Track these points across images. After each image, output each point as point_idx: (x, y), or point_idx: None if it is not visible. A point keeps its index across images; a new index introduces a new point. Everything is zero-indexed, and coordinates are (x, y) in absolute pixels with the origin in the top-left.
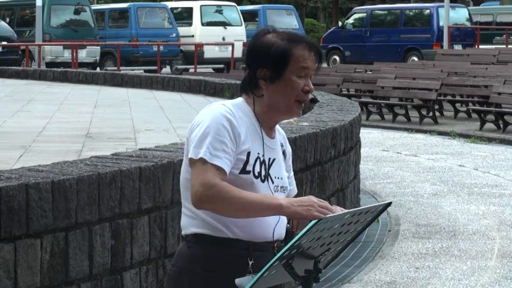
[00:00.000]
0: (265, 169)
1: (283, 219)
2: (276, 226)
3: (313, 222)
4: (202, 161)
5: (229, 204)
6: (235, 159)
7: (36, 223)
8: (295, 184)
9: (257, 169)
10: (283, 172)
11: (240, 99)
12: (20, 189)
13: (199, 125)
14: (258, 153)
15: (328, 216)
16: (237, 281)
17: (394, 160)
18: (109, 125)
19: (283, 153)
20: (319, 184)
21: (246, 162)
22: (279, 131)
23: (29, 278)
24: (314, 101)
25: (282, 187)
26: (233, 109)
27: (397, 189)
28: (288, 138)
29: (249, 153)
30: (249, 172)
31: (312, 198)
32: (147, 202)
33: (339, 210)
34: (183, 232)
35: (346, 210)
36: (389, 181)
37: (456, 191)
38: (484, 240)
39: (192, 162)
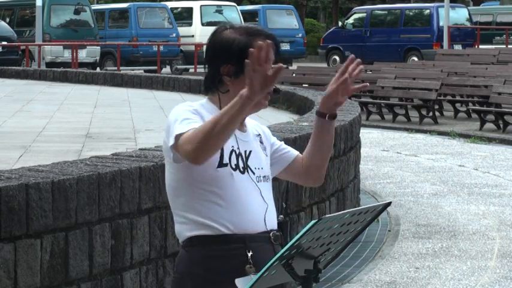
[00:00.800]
0: (243, 161)
1: (272, 208)
2: (265, 215)
3: (312, 222)
4: (178, 136)
5: (211, 134)
6: None
7: (36, 223)
8: (293, 149)
9: (234, 161)
10: (263, 162)
11: (204, 101)
12: (20, 189)
13: (167, 124)
14: (232, 146)
15: (327, 216)
16: (237, 281)
17: (394, 160)
18: (109, 125)
19: (261, 141)
20: None
21: (221, 155)
22: (250, 125)
23: (29, 278)
24: (277, 91)
25: (264, 177)
26: (198, 107)
27: (397, 189)
28: (288, 138)
29: (222, 147)
30: (226, 164)
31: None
32: (147, 202)
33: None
34: (180, 240)
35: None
36: (389, 181)
37: (456, 191)
38: (484, 240)
39: (173, 147)
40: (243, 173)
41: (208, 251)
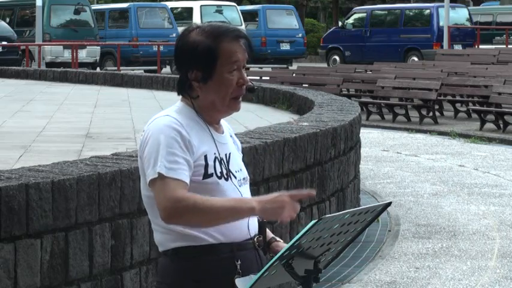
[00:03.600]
0: (225, 167)
1: None
2: (249, 221)
3: (312, 222)
4: (161, 176)
5: (201, 216)
6: (194, 167)
7: (36, 223)
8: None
9: (218, 169)
10: (240, 162)
11: (179, 104)
12: (20, 189)
13: (149, 142)
14: (215, 153)
15: (328, 216)
16: (237, 281)
17: (394, 160)
18: (109, 125)
19: (234, 141)
20: (319, 184)
21: (206, 165)
22: (224, 124)
23: (29, 278)
24: (252, 90)
25: (243, 178)
26: (178, 117)
27: (397, 189)
28: (288, 138)
29: (206, 156)
30: (211, 175)
31: (284, 198)
32: None
33: (305, 192)
34: (161, 248)
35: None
36: (389, 181)
37: (456, 191)
38: (484, 240)
39: (152, 181)
40: (227, 179)
41: (197, 261)
